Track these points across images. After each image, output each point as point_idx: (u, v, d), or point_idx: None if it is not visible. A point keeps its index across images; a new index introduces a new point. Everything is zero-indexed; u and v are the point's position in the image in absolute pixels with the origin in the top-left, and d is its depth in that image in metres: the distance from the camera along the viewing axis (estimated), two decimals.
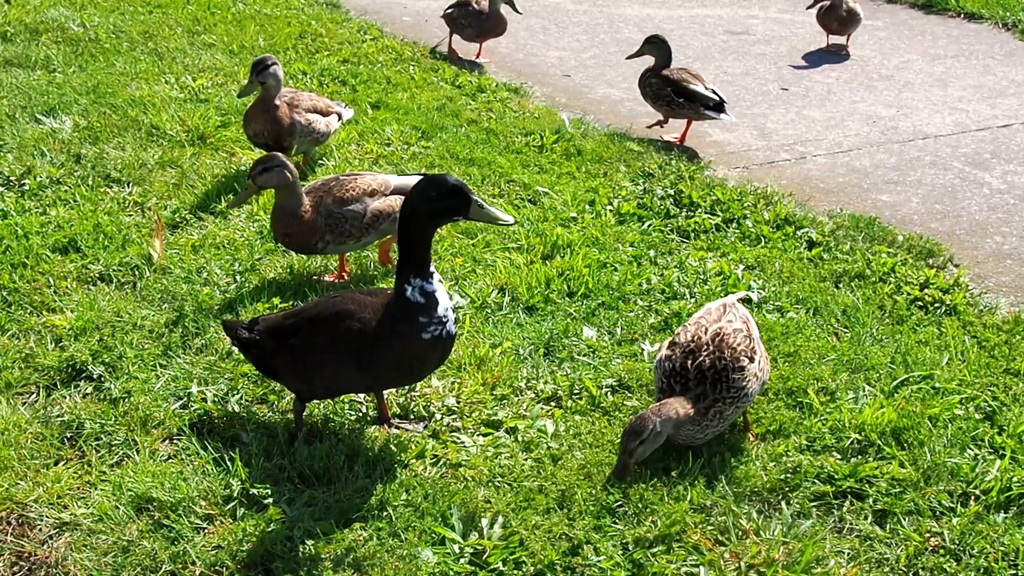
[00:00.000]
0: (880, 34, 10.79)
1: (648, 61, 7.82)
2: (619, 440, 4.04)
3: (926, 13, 11.69)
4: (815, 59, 9.99)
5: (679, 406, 4.02)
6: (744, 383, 4.10)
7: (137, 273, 5.47)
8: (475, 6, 9.28)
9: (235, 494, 3.93)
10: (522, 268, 5.59)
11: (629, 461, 3.98)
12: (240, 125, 6.94)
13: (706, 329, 4.24)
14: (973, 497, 4.02)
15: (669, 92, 7.54)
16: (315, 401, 4.42)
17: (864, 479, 4.06)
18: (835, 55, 10.08)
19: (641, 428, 3.93)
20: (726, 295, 5.29)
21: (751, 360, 4.17)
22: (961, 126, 8.26)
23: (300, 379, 4.15)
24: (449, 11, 9.55)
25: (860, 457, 4.20)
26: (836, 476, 4.07)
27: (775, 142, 7.91)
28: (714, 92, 7.54)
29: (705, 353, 4.13)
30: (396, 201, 5.44)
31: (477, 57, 9.70)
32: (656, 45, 7.77)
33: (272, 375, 4.28)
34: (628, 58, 8.16)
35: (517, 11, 9.35)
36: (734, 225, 6.27)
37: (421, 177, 4.26)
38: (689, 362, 4.13)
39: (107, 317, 5.07)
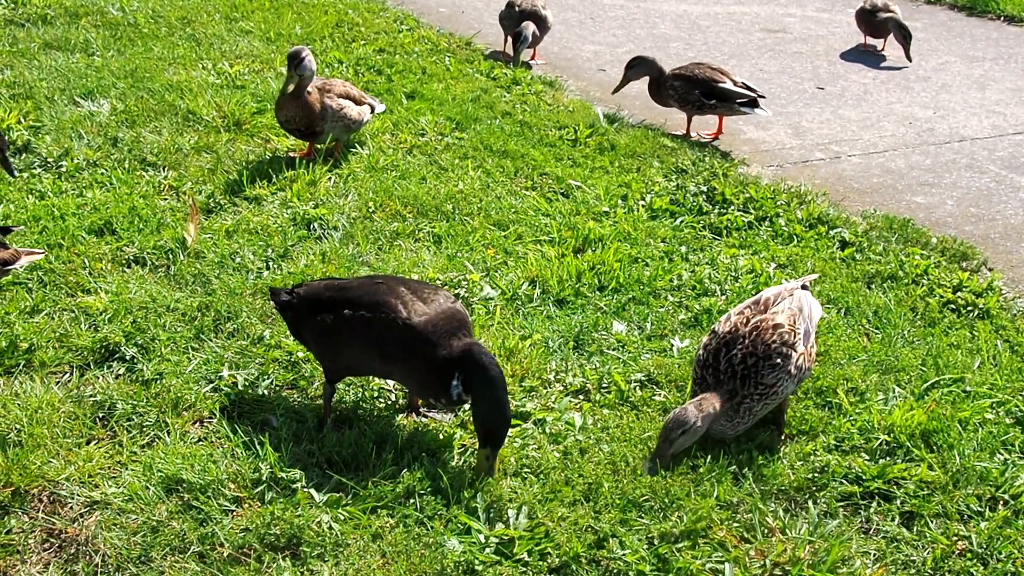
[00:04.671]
0: (919, 35, 10.68)
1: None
2: (659, 430, 4.04)
3: (966, 15, 11.58)
4: (852, 59, 9.93)
5: (715, 402, 4.04)
6: (774, 380, 4.08)
7: (171, 257, 5.51)
8: (517, 9, 9.18)
9: (264, 478, 3.96)
10: (553, 261, 5.59)
11: (668, 451, 3.99)
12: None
13: (747, 320, 4.23)
14: (1002, 502, 3.99)
15: (698, 95, 7.40)
16: (344, 387, 4.45)
17: (892, 480, 4.04)
18: (872, 55, 10.01)
19: (684, 420, 3.95)
20: (757, 292, 5.26)
21: (786, 357, 4.13)
22: (998, 129, 8.18)
23: (325, 354, 4.24)
24: (502, 12, 9.41)
25: (888, 458, 4.18)
26: (864, 477, 4.05)
27: (809, 141, 7.87)
28: (746, 86, 7.39)
29: (739, 347, 4.12)
30: None
31: (532, 59, 9.58)
32: (638, 67, 7.69)
33: (303, 342, 4.39)
34: (614, 92, 7.99)
35: None
36: (766, 223, 6.25)
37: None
38: (722, 354, 4.13)
39: (141, 299, 5.12)
